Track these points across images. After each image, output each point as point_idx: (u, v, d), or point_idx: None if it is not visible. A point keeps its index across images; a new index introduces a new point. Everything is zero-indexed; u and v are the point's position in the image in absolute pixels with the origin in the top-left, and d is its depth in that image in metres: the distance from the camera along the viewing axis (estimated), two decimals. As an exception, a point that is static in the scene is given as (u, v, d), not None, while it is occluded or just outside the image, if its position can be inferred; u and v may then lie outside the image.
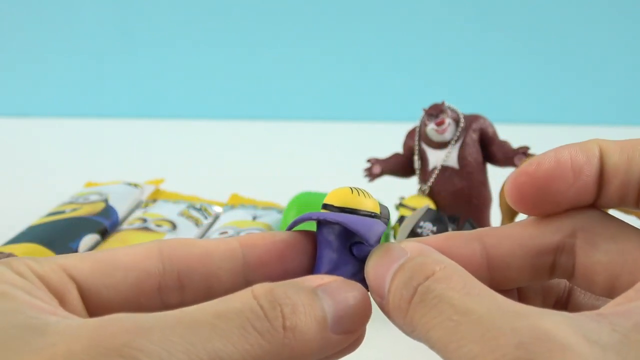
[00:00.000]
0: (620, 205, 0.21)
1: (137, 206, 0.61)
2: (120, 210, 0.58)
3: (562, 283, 0.22)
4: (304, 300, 0.18)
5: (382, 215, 0.22)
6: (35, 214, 0.58)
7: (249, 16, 1.00)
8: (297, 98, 1.02)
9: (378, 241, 0.21)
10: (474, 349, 0.16)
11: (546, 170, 0.20)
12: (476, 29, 1.00)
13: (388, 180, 0.55)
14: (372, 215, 0.21)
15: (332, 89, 1.01)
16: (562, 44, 0.99)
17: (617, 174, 0.20)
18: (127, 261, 0.19)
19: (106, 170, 0.76)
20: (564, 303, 0.22)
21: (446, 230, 0.46)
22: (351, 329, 0.19)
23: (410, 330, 0.18)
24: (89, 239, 0.52)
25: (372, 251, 0.20)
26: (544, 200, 0.20)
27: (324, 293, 0.19)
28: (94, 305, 0.19)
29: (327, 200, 0.22)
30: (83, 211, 0.55)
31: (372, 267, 0.20)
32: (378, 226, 0.21)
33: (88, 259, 0.19)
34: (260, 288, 0.18)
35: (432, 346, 0.17)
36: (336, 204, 0.21)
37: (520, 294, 0.22)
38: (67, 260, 0.19)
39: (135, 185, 0.63)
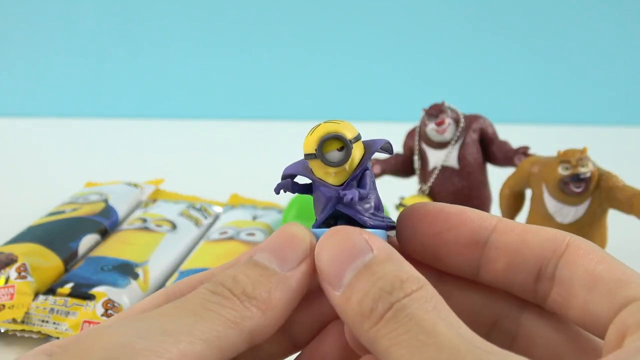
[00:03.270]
0: (504, 285, 0.20)
1: (137, 206, 0.61)
2: (120, 210, 0.58)
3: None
4: (242, 268, 0.19)
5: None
6: (35, 214, 0.58)
7: (249, 16, 1.00)
8: (296, 98, 1.02)
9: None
10: None
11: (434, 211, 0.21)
12: (476, 29, 1.00)
13: (388, 180, 0.55)
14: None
15: (332, 89, 1.01)
16: (562, 44, 0.99)
17: (507, 254, 0.20)
18: None
19: (106, 170, 0.76)
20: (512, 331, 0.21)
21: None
22: (295, 258, 0.19)
23: (368, 339, 0.18)
24: (89, 239, 0.52)
25: (330, 230, 0.20)
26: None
27: (257, 252, 0.19)
28: None
29: (307, 150, 0.21)
30: (83, 211, 0.55)
31: (329, 251, 0.19)
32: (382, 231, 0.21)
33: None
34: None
35: None
36: (314, 149, 0.21)
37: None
38: None
39: (135, 185, 0.63)
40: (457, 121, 0.52)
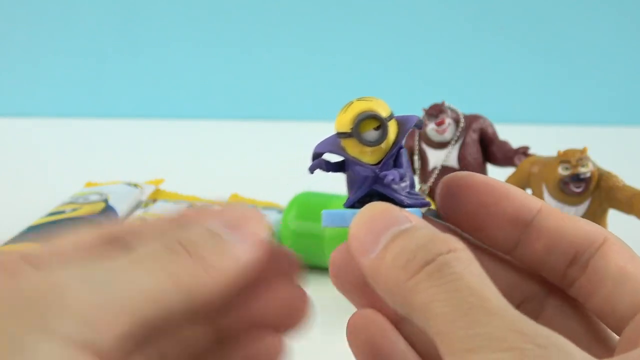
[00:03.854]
0: (537, 264, 0.21)
1: (137, 206, 0.61)
2: (120, 210, 0.58)
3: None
4: (199, 232, 0.19)
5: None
6: (35, 214, 0.58)
7: (249, 16, 1.00)
8: (296, 98, 1.02)
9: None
10: (483, 336, 0.15)
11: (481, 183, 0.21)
12: (476, 29, 1.00)
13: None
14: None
15: (332, 89, 1.01)
16: (562, 44, 0.99)
17: (548, 235, 0.20)
18: None
19: (106, 170, 0.76)
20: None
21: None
22: (250, 235, 0.19)
23: (403, 293, 0.17)
24: (89, 239, 0.52)
25: (369, 204, 0.19)
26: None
27: (213, 221, 0.19)
28: None
29: (341, 129, 0.21)
30: (83, 211, 0.55)
31: (365, 221, 0.19)
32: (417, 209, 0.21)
33: None
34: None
35: (425, 318, 0.16)
36: (349, 128, 0.21)
37: None
38: None
39: (135, 185, 0.63)
40: (457, 121, 0.52)
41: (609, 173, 0.47)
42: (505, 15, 0.99)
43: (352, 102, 0.21)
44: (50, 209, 0.58)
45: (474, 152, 0.52)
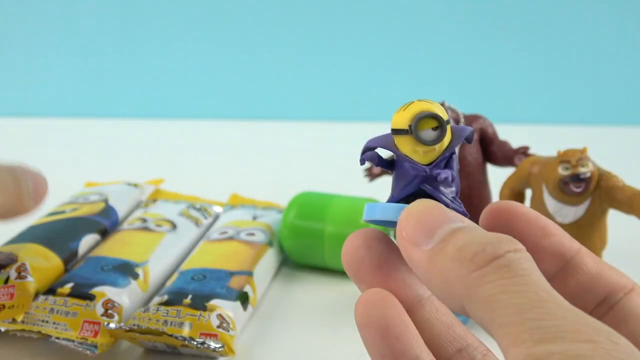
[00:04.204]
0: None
1: (137, 206, 0.61)
2: (120, 210, 0.58)
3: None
4: None
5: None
6: (34, 214, 0.58)
7: (249, 16, 1.00)
8: (296, 98, 1.02)
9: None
10: (557, 327, 0.15)
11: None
12: (476, 29, 1.00)
13: (388, 180, 0.55)
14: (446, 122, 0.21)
15: (332, 89, 1.01)
16: (562, 44, 0.99)
17: (584, 275, 0.21)
18: None
19: (106, 170, 0.76)
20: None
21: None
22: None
23: (465, 284, 0.17)
24: (89, 239, 0.52)
25: (420, 200, 0.20)
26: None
27: None
28: None
29: (398, 126, 0.21)
30: (83, 211, 0.55)
31: (417, 212, 0.19)
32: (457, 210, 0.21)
33: None
34: None
35: (490, 310, 0.16)
36: (405, 125, 0.21)
37: None
38: None
39: (135, 186, 0.63)
40: (457, 121, 0.52)
41: (609, 173, 0.47)
42: (505, 16, 0.99)
43: (412, 102, 0.21)
44: (50, 209, 0.57)
45: (474, 152, 0.52)
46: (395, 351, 0.21)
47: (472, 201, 0.52)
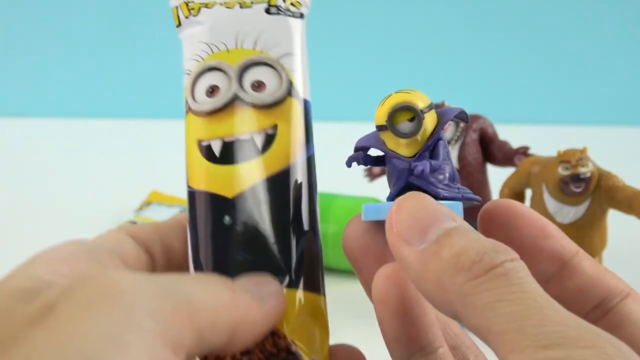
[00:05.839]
0: (561, 301, 0.22)
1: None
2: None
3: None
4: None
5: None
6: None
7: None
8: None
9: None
10: (559, 333, 0.15)
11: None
12: (476, 29, 1.00)
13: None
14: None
15: (332, 88, 1.01)
16: (562, 44, 0.99)
17: (582, 278, 0.21)
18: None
19: (106, 170, 0.76)
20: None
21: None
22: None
23: (459, 292, 0.17)
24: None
25: (404, 195, 0.19)
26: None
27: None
28: None
29: (378, 122, 0.21)
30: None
31: (410, 209, 0.19)
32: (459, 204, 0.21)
33: None
34: None
35: (487, 317, 0.16)
36: (384, 121, 0.21)
37: None
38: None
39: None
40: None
41: (609, 173, 0.47)
42: (506, 16, 0.99)
43: (390, 95, 0.21)
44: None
45: (474, 152, 0.52)
46: (409, 336, 0.21)
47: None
